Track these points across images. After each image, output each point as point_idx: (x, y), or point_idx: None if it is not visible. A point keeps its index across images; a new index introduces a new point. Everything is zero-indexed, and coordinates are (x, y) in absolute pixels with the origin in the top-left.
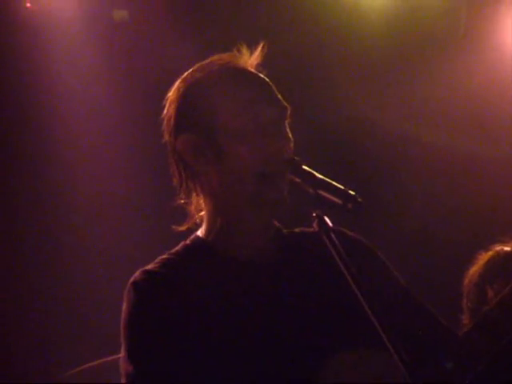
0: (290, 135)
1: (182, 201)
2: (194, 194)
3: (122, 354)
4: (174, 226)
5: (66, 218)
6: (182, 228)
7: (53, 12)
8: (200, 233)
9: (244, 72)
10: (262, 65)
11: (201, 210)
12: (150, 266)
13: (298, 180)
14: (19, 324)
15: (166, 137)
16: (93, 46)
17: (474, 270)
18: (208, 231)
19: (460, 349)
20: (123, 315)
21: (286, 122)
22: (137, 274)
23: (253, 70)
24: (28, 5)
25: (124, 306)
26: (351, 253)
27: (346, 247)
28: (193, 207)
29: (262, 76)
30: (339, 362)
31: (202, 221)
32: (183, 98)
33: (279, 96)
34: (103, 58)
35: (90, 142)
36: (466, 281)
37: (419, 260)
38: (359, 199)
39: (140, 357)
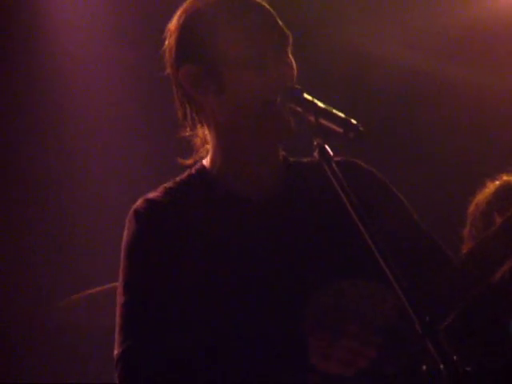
0: (293, 62)
1: (187, 134)
2: (199, 126)
3: (119, 282)
4: (179, 159)
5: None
6: (188, 161)
7: None
8: (205, 162)
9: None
10: None
11: (207, 143)
12: (152, 194)
13: (299, 109)
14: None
15: (168, 69)
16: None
17: (482, 197)
18: (213, 162)
19: (453, 276)
20: (123, 243)
21: (289, 49)
22: (139, 201)
23: None
24: None
25: (124, 234)
26: (361, 184)
27: (352, 177)
28: (198, 140)
29: (262, 3)
30: (334, 288)
31: (208, 151)
32: (183, 28)
33: (280, 23)
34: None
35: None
36: (472, 208)
37: (428, 188)
38: (361, 128)
39: (135, 287)
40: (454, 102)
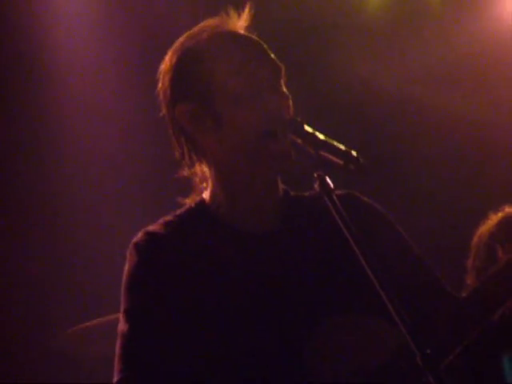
0: (289, 96)
1: (186, 173)
2: (198, 164)
3: (120, 313)
4: (179, 198)
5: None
6: (187, 200)
7: None
8: (205, 196)
9: (234, 34)
10: (255, 26)
11: (205, 180)
12: (152, 227)
13: (299, 141)
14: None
15: (164, 110)
16: (103, 20)
17: (485, 229)
18: (212, 196)
19: (455, 314)
20: (124, 276)
21: (282, 80)
22: (139, 234)
23: (242, 32)
24: None
25: (125, 267)
26: (361, 216)
27: (353, 210)
28: (197, 178)
29: (252, 37)
30: (335, 325)
31: (207, 187)
32: (176, 68)
33: (272, 55)
34: (113, 33)
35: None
36: (476, 240)
37: (429, 221)
38: (361, 160)
39: (135, 318)
40: (454, 134)
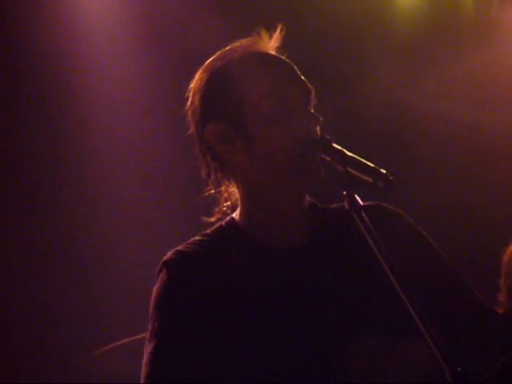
0: (318, 115)
1: (212, 192)
2: (224, 184)
3: (148, 331)
4: (204, 218)
5: (92, 211)
6: (212, 219)
7: None
8: (235, 215)
9: (265, 55)
10: (286, 46)
11: (230, 199)
12: (182, 246)
13: (328, 158)
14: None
15: (192, 128)
16: (122, 24)
17: None
18: (242, 215)
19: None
20: (153, 295)
21: (312, 102)
22: (169, 253)
23: (274, 53)
24: None
25: (156, 286)
26: (389, 228)
27: (381, 223)
28: (222, 198)
29: (283, 58)
30: (369, 348)
31: (235, 206)
32: (207, 88)
33: (303, 78)
34: (128, 37)
35: (117, 123)
36: (506, 258)
37: (458, 238)
38: (390, 177)
39: (164, 337)
40: (491, 151)
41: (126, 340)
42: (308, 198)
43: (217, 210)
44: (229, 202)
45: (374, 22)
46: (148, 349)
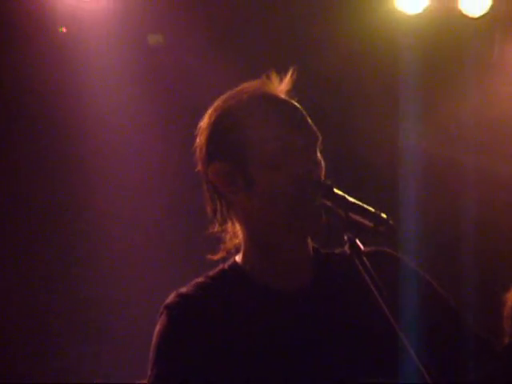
0: (322, 161)
1: (217, 229)
2: (229, 222)
3: (148, 376)
4: (208, 255)
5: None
6: (217, 257)
7: (88, 36)
8: (238, 258)
9: (273, 98)
10: (294, 90)
11: (236, 238)
12: (184, 289)
13: (329, 203)
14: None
15: (199, 166)
16: (127, 70)
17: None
18: (245, 257)
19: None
20: (154, 338)
21: (317, 147)
22: (171, 296)
23: (283, 97)
24: (63, 29)
25: (156, 329)
26: (390, 274)
27: (383, 269)
28: (228, 236)
29: (292, 102)
30: None
31: (239, 247)
32: (214, 127)
33: (310, 123)
34: (137, 82)
35: (123, 166)
36: (509, 303)
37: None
38: (391, 222)
39: (163, 383)
40: (493, 197)
41: None
42: (311, 243)
43: (222, 248)
44: (236, 240)
45: (374, 63)
46: None
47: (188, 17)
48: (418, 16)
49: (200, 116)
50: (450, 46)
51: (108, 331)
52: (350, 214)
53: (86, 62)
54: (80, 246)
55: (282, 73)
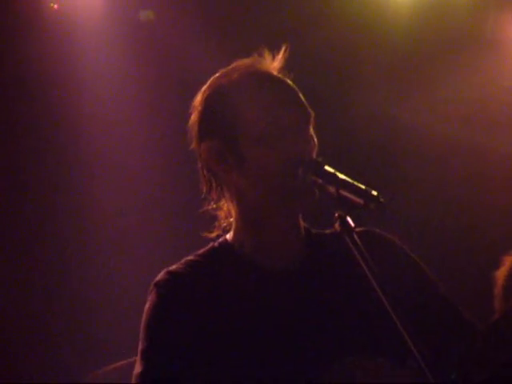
0: (314, 139)
1: (211, 207)
2: (223, 200)
3: (138, 353)
4: (203, 233)
5: (88, 222)
6: (212, 234)
7: (79, 12)
8: (229, 236)
9: (265, 76)
10: (287, 68)
11: (231, 216)
12: (174, 267)
13: (319, 181)
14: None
15: (193, 144)
16: (119, 46)
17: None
18: (236, 235)
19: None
20: (144, 315)
21: (310, 126)
22: (160, 274)
23: (275, 74)
24: (54, 6)
25: (146, 306)
26: (382, 253)
27: (374, 248)
28: (222, 213)
29: (284, 79)
30: (351, 369)
31: (231, 225)
32: (206, 105)
33: (303, 100)
34: (129, 57)
35: (115, 144)
36: (501, 281)
37: (446, 258)
38: (381, 199)
39: (152, 359)
40: (485, 171)
41: (119, 363)
42: (302, 223)
43: (217, 225)
44: (231, 218)
45: (368, 40)
46: (136, 369)
47: None
48: None
49: (191, 93)
50: (445, 23)
51: (109, 330)
52: (341, 191)
53: (77, 39)
54: (80, 244)
55: (274, 51)
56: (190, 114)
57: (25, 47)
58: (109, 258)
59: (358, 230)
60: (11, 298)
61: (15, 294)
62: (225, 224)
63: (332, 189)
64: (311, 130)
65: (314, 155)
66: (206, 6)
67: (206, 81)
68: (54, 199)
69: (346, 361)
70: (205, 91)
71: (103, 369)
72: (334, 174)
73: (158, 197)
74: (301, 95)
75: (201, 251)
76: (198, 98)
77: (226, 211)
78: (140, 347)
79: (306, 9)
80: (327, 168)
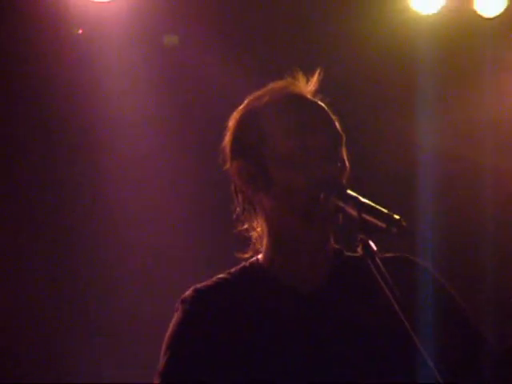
0: (345, 161)
1: (244, 228)
2: (255, 221)
3: (158, 368)
4: (237, 254)
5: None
6: (246, 255)
7: (103, 38)
8: (260, 256)
9: (297, 97)
10: (318, 91)
11: (263, 237)
12: (203, 284)
13: (341, 204)
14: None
15: (226, 164)
16: (143, 71)
17: None
18: (266, 256)
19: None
20: (168, 331)
21: (341, 148)
22: (188, 291)
23: (308, 96)
24: (79, 31)
25: (171, 322)
26: (408, 279)
27: (402, 273)
28: (255, 234)
29: (315, 101)
30: None
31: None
32: (237, 125)
33: (334, 122)
34: (153, 83)
35: (140, 167)
36: None
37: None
38: (403, 223)
39: (171, 376)
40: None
41: None
42: (333, 244)
43: (250, 246)
44: (265, 240)
45: (391, 64)
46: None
47: (203, 17)
48: (433, 16)
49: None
50: (466, 46)
51: (122, 334)
52: (363, 215)
53: (101, 64)
54: (92, 247)
55: (307, 73)
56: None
57: (50, 72)
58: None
59: (388, 255)
60: (15, 297)
61: (19, 294)
62: (258, 245)
63: (354, 212)
64: (342, 153)
65: (344, 178)
66: (232, 31)
67: (231, 104)
68: (73, 202)
69: None
70: (238, 112)
71: None
72: (356, 198)
73: (193, 215)
74: (333, 117)
75: (232, 270)
76: (231, 120)
77: (259, 232)
78: (160, 362)
79: (327, 31)
80: (349, 192)
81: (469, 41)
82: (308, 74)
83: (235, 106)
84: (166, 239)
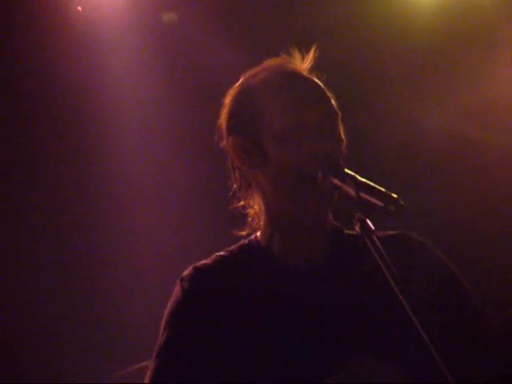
0: (342, 138)
1: (241, 205)
2: (251, 198)
3: (155, 347)
4: (234, 231)
5: (119, 217)
6: (243, 233)
7: (103, 15)
8: (258, 233)
9: (292, 74)
10: (315, 68)
11: (261, 214)
12: (202, 262)
13: (338, 182)
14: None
15: (222, 141)
16: (142, 48)
17: None
18: (263, 233)
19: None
20: (167, 309)
21: (338, 125)
22: (187, 269)
23: (303, 74)
24: (79, 8)
25: (170, 300)
26: (408, 257)
27: (402, 251)
28: (252, 211)
29: (311, 78)
30: (366, 369)
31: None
32: (233, 102)
33: (330, 99)
34: (152, 60)
35: (139, 143)
36: None
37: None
38: (401, 202)
39: (168, 356)
40: (508, 174)
41: (139, 364)
42: (332, 223)
43: (248, 223)
44: (262, 218)
45: (392, 43)
46: (152, 364)
47: None
48: None
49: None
50: (468, 25)
51: (122, 334)
52: (360, 194)
53: (100, 41)
54: (92, 247)
55: (303, 51)
56: (218, 112)
57: (49, 49)
58: (139, 255)
59: (389, 233)
60: (16, 298)
61: (21, 294)
62: (256, 221)
63: (352, 191)
64: (339, 130)
65: (341, 156)
66: (230, 8)
67: (230, 81)
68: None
69: (352, 362)
70: (234, 89)
71: (125, 370)
72: (353, 177)
73: (189, 194)
74: (328, 94)
75: (231, 247)
76: (228, 96)
77: (256, 209)
78: (159, 340)
79: (327, 13)
80: (347, 171)
81: (469, 20)
82: (306, 52)
83: (234, 84)
84: (166, 238)
